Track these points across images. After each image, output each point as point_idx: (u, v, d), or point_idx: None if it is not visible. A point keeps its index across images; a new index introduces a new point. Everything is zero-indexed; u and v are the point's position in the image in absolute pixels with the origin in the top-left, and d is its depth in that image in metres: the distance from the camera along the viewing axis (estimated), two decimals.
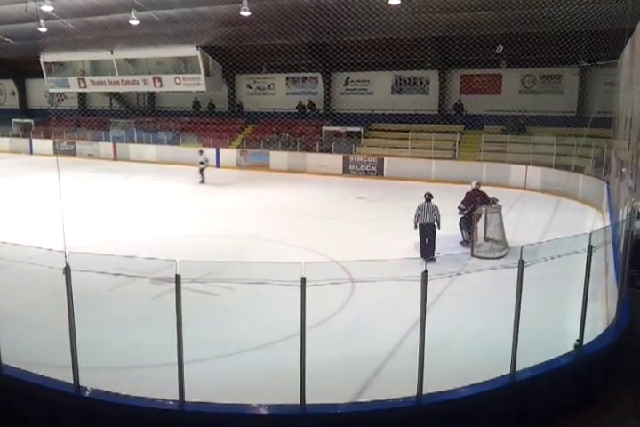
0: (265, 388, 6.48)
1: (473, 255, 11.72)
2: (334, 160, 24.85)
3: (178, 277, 5.59)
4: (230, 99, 30.92)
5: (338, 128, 26.61)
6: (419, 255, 11.52)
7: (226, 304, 9.10)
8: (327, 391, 6.07)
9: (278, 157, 26.09)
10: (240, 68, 30.05)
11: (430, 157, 23.11)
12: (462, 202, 12.80)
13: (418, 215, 11.77)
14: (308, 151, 25.82)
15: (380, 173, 23.82)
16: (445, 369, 6.50)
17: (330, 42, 25.57)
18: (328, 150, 25.70)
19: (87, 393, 5.89)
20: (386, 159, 23.81)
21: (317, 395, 5.66)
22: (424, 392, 5.73)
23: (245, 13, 21.23)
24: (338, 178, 23.95)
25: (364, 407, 5.84)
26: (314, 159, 25.35)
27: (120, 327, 8.39)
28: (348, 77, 27.78)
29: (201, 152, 23.28)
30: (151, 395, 5.82)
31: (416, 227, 11.75)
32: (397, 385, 6.08)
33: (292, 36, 24.96)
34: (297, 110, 28.78)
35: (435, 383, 5.83)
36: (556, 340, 7.23)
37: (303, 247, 12.54)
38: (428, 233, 11.58)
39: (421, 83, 26.49)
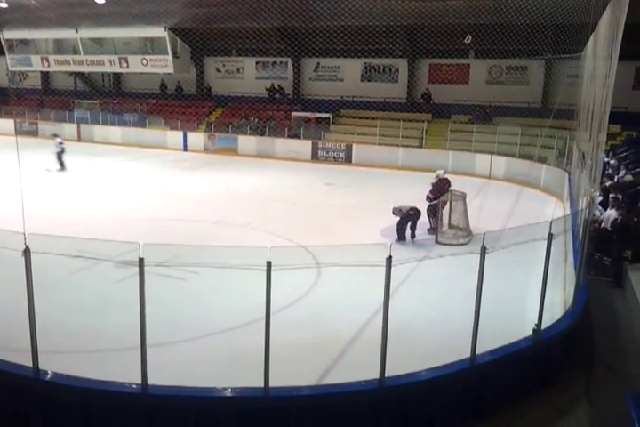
0: (230, 372, 6.51)
1: (437, 242, 11.93)
2: (303, 146, 24.78)
3: (141, 261, 5.53)
4: (199, 81, 30.42)
5: (307, 114, 26.51)
6: (384, 241, 11.65)
7: (191, 289, 9.06)
8: (291, 375, 6.12)
9: (247, 142, 25.86)
10: (209, 51, 29.56)
11: (398, 145, 23.26)
12: (431, 191, 12.96)
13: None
14: (276, 136, 25.65)
15: (348, 159, 23.89)
16: (407, 353, 6.62)
17: (300, 27, 25.29)
18: (297, 136, 25.59)
19: (47, 377, 5.80)
20: (354, 146, 23.88)
21: (282, 378, 5.70)
22: (386, 375, 5.83)
23: None
24: (306, 164, 23.92)
25: (328, 390, 5.91)
26: (283, 145, 25.23)
27: (83, 311, 8.27)
28: (318, 63, 27.63)
29: (55, 136, 21.49)
30: (115, 379, 5.77)
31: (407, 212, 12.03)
32: (361, 369, 6.17)
33: (262, 19, 24.60)
34: (267, 94, 28.50)
35: (397, 367, 5.93)
36: (515, 324, 7.44)
37: (270, 232, 12.52)
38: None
39: (391, 71, 26.55)
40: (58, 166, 20.46)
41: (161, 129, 28.04)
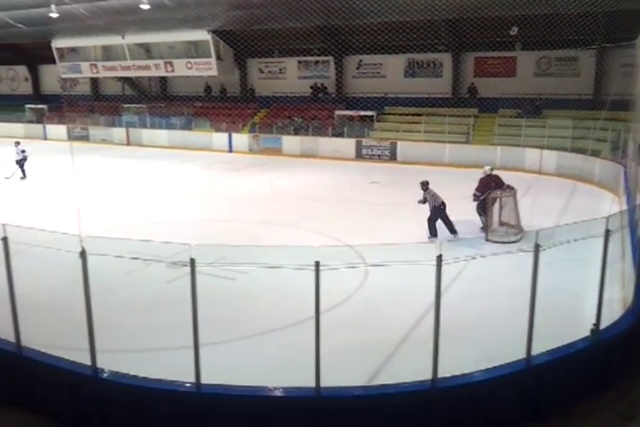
0: (280, 371, 6.54)
1: (488, 240, 11.66)
2: (347, 144, 24.70)
3: (192, 261, 5.60)
4: (242, 83, 30.74)
5: (350, 112, 26.41)
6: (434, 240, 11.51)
7: (241, 288, 9.15)
8: (342, 375, 6.10)
9: (291, 142, 25.98)
10: (252, 53, 29.83)
11: (444, 141, 22.88)
12: (477, 188, 12.68)
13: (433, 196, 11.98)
14: (320, 136, 25.65)
15: (393, 157, 23.66)
16: (459, 353, 6.50)
17: (342, 25, 25.28)
18: (341, 135, 25.54)
19: (105, 375, 5.96)
20: (399, 143, 23.63)
21: (332, 378, 5.68)
22: (438, 376, 5.72)
23: None
24: (350, 162, 23.83)
25: (379, 391, 5.86)
26: (326, 144, 25.21)
27: (137, 311, 8.48)
28: (361, 61, 27.47)
29: (17, 143, 20.31)
30: (168, 377, 5.88)
31: (438, 206, 11.89)
32: (411, 369, 6.09)
33: (304, 19, 24.64)
34: (310, 94, 28.55)
35: (449, 368, 5.82)
36: (572, 324, 7.19)
37: (316, 232, 12.53)
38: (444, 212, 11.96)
39: (434, 66, 26.15)
40: (20, 174, 19.76)
41: (207, 131, 28.50)
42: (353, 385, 5.91)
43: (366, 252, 9.80)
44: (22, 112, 36.02)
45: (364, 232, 12.39)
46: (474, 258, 9.47)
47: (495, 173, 13.01)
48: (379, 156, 23.99)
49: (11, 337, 6.51)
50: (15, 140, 21.10)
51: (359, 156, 24.42)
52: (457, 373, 5.93)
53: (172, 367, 6.27)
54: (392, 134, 24.35)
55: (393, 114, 26.05)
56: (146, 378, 5.87)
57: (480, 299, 8.79)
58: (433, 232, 11.96)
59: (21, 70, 39.41)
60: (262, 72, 30.46)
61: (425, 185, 12.18)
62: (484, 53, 24.82)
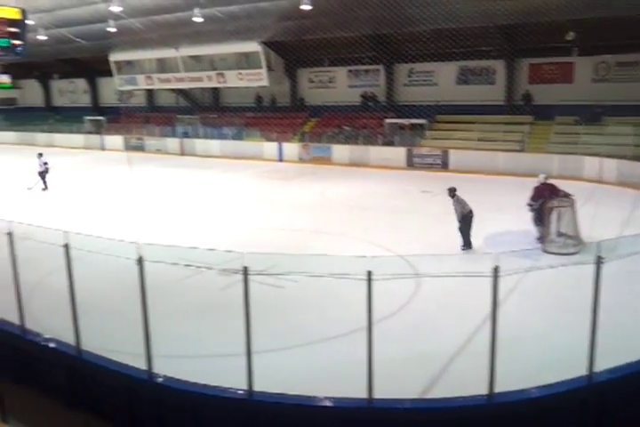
0: (331, 381, 6.49)
1: (545, 251, 11.29)
2: (398, 153, 24.52)
3: (245, 270, 5.65)
4: (292, 93, 31.07)
5: (401, 120, 26.21)
6: (487, 250, 11.23)
7: (291, 297, 9.17)
8: (394, 387, 6.00)
9: (341, 151, 26.00)
10: (302, 63, 30.15)
11: (497, 149, 22.39)
12: (531, 197, 12.32)
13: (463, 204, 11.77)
14: (370, 144, 25.58)
15: (445, 165, 23.31)
16: (515, 368, 6.29)
17: (392, 33, 25.22)
18: (391, 143, 25.39)
19: (160, 380, 6.07)
20: (451, 152, 23.27)
21: (384, 390, 5.60)
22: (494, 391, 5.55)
23: (306, 7, 21.25)
24: (401, 171, 23.62)
25: (434, 404, 5.73)
26: (377, 152, 25.10)
27: (189, 317, 8.62)
28: (412, 69, 27.29)
29: (40, 155, 20.58)
30: (220, 384, 5.94)
31: (467, 214, 11.71)
32: (466, 383, 5.94)
33: (354, 28, 24.79)
34: (360, 103, 28.55)
35: (505, 383, 5.63)
36: (636, 341, 6.85)
37: (367, 241, 12.44)
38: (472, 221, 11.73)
39: (487, 73, 25.69)
40: (42, 186, 20.06)
41: (257, 141, 28.90)
42: (405, 398, 5.80)
43: (418, 262, 9.66)
44: (82, 123, 37.52)
45: (415, 242, 12.23)
46: (530, 270, 9.23)
47: (552, 181, 12.62)
48: (430, 164, 23.68)
49: (71, 340, 6.74)
50: (38, 151, 21.41)
51: (410, 164, 24.18)
52: (513, 388, 5.73)
53: (225, 374, 6.31)
54: (444, 143, 24.01)
55: (445, 122, 25.71)
56: (198, 384, 5.95)
57: (537, 312, 8.50)
58: (467, 243, 11.74)
59: (81, 83, 41.12)
60: (312, 82, 30.70)
61: (452, 192, 11.88)
62: (539, 60, 24.21)
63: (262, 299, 7.93)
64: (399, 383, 6.27)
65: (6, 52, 18.00)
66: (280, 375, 6.52)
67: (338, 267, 5.90)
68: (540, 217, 11.91)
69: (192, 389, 5.91)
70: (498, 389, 5.57)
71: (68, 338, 6.85)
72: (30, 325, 7.38)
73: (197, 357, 7.30)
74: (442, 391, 6.08)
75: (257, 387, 5.73)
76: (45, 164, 20.27)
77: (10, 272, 7.34)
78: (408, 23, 23.54)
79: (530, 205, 12.25)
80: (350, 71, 29.19)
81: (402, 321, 8.28)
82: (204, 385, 5.90)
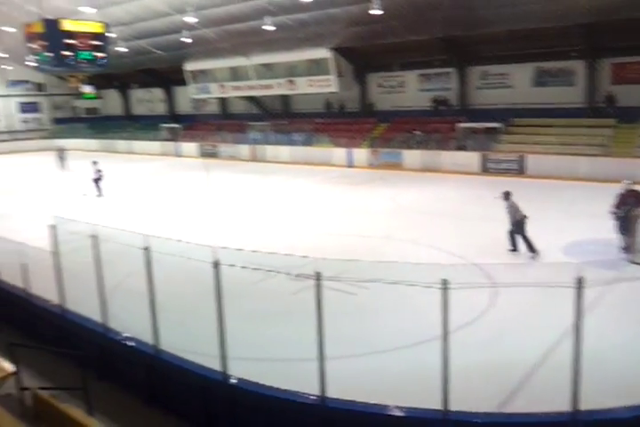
0: (404, 390, 6.36)
1: (631, 262, 10.64)
2: (471, 158, 23.89)
3: (318, 275, 5.63)
4: (361, 98, 31.05)
5: (474, 124, 25.54)
6: (567, 260, 10.73)
7: (362, 304, 9.10)
8: (470, 399, 5.80)
9: (411, 156, 25.67)
10: (371, 68, 30.09)
11: (578, 154, 21.33)
12: (615, 205, 11.64)
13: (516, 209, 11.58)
14: (442, 149, 25.08)
15: (521, 171, 22.45)
16: (599, 385, 5.93)
17: (465, 35, 24.73)
18: (464, 148, 24.78)
19: (234, 382, 6.16)
20: (528, 156, 22.37)
21: (459, 402, 5.42)
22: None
23: (376, 12, 21.20)
24: (475, 177, 22.99)
25: (512, 419, 5.50)
26: (449, 157, 24.57)
27: (263, 321, 8.72)
28: (486, 71, 26.58)
29: (95, 163, 21.41)
30: (291, 388, 5.95)
31: (520, 220, 11.53)
32: (546, 398, 5.66)
33: (425, 31, 24.51)
34: (431, 107, 28.14)
35: (587, 401, 5.31)
36: None
37: (439, 249, 12.19)
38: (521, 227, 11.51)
39: (566, 74, 24.62)
40: (96, 192, 20.73)
41: (327, 146, 29.06)
42: (481, 411, 5.59)
43: (494, 271, 9.36)
44: (159, 131, 39.07)
45: (490, 250, 11.86)
46: (616, 281, 8.73)
47: (635, 188, 11.88)
48: (506, 170, 22.86)
49: (149, 339, 6.97)
50: (93, 159, 22.30)
51: (484, 170, 23.49)
52: (598, 406, 5.40)
53: (296, 378, 6.33)
54: (520, 147, 23.15)
55: (521, 125, 24.78)
56: (271, 387, 5.99)
57: (623, 326, 8.00)
58: (514, 245, 11.65)
59: (158, 92, 42.92)
60: (382, 86, 30.56)
61: (507, 195, 11.76)
62: (622, 59, 22.93)
63: (334, 305, 7.92)
64: (475, 395, 6.07)
65: (90, 64, 19.08)
66: (352, 382, 6.46)
67: (411, 274, 5.80)
68: (625, 225, 11.23)
69: (266, 392, 5.96)
70: (582, 406, 5.26)
71: (146, 337, 7.10)
72: (112, 324, 7.71)
73: (270, 360, 7.37)
74: (520, 406, 5.82)
75: (329, 393, 5.70)
76: (99, 171, 21.11)
77: (93, 273, 7.70)
78: (482, 24, 23.03)
79: (614, 212, 11.58)
80: (421, 75, 28.82)
81: (478, 331, 8.01)
82: (278, 389, 5.93)
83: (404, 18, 23.35)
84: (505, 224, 12.55)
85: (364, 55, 29.02)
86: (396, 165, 25.82)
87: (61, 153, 25.15)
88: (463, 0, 21.43)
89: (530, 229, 12.03)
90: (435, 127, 26.62)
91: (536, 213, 15.32)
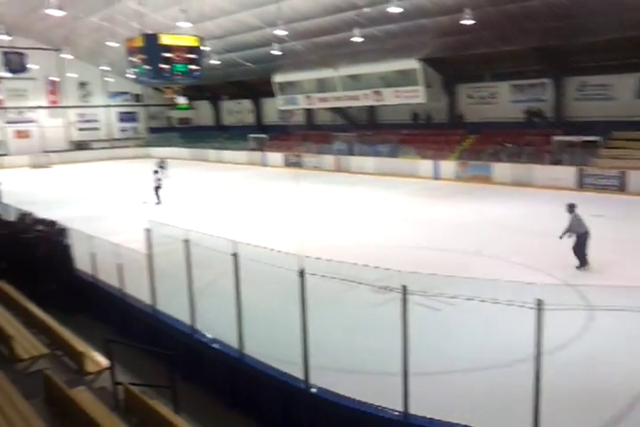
0: (489, 412, 6.09)
1: None
2: (566, 173, 22.64)
3: (405, 288, 5.52)
4: (450, 109, 30.49)
5: (571, 138, 24.26)
6: None
7: (447, 320, 8.85)
8: (560, 425, 5.45)
9: (501, 169, 24.76)
10: (461, 78, 29.50)
11: None
12: None
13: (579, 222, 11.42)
14: (535, 163, 23.96)
15: (621, 187, 20.99)
16: None
17: (562, 45, 23.69)
18: (559, 162, 23.58)
19: (316, 390, 6.14)
20: (630, 172, 20.89)
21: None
22: None
23: (468, 22, 20.79)
24: (570, 192, 21.69)
25: None
26: (542, 171, 23.43)
27: (344, 332, 8.67)
28: (584, 82, 25.28)
29: (155, 172, 22.42)
30: (371, 400, 5.85)
31: (583, 234, 11.40)
32: None
33: (519, 41, 23.73)
34: (524, 119, 27.12)
35: None
36: None
37: (529, 266, 11.65)
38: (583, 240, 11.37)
39: None
40: (156, 200, 21.40)
41: (412, 158, 28.71)
42: None
43: (590, 293, 8.82)
44: (246, 141, 40.24)
45: (586, 270, 11.19)
46: None
47: None
48: (604, 186, 21.47)
49: (234, 344, 7.11)
50: (154, 168, 23.27)
51: (580, 185, 22.17)
52: None
53: (378, 392, 6.23)
54: (621, 162, 21.72)
55: (622, 139, 23.24)
56: (352, 399, 5.91)
57: None
58: (583, 262, 11.40)
59: (247, 104, 44.33)
60: (472, 97, 29.85)
61: (571, 208, 11.63)
62: None
63: (418, 320, 7.77)
64: (569, 423, 5.69)
65: (185, 77, 20.02)
66: (435, 399, 6.27)
67: (499, 292, 5.55)
68: None
69: (347, 403, 5.90)
70: None
71: (230, 340, 7.25)
72: (198, 325, 7.94)
73: (350, 371, 7.30)
74: None
75: (411, 409, 5.55)
76: (159, 180, 21.89)
77: (182, 275, 7.97)
78: (581, 33, 21.98)
79: None
80: (513, 86, 27.86)
81: (572, 356, 7.54)
82: (360, 401, 5.85)
83: (496, 28, 22.76)
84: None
85: (453, 66, 28.51)
86: (485, 179, 25.03)
87: (162, 163, 26.58)
88: (561, 9, 20.57)
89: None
90: (527, 140, 25.58)
91: (637, 235, 14.37)
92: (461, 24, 21.08)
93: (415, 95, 28.77)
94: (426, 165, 27.54)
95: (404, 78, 29.03)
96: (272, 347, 7.46)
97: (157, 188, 21.66)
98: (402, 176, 27.68)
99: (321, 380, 6.30)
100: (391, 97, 29.98)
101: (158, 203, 21.38)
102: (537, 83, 26.79)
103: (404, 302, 5.54)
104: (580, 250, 11.38)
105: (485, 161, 25.59)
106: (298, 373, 6.33)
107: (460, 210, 18.93)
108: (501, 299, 5.36)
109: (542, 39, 23.27)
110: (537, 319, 4.99)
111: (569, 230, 11.44)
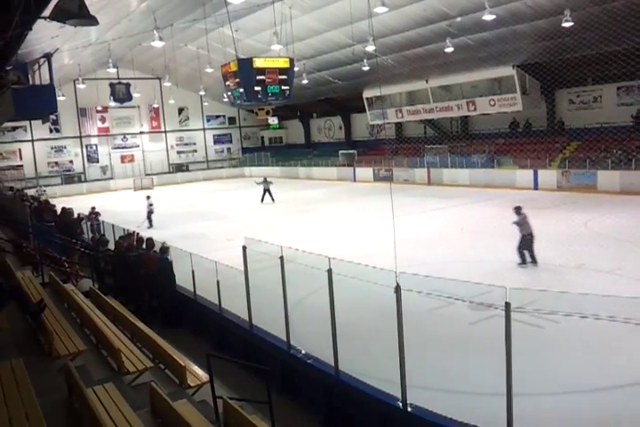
0: None
1: None
2: None
3: (508, 305, 5.24)
4: (549, 116, 29.09)
5: None
6: None
7: (550, 338, 8.35)
8: None
9: (608, 177, 23.24)
10: (560, 83, 28.00)
11: None
12: None
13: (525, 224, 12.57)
14: None
15: None
16: None
17: None
18: None
19: (414, 410, 5.95)
20: None
21: None
22: None
23: (567, 24, 19.81)
24: None
25: None
26: None
27: (439, 349, 8.40)
28: None
29: (148, 197, 23.36)
30: (471, 422, 5.58)
31: (525, 236, 12.54)
32: None
33: (625, 40, 22.22)
34: (632, 122, 25.29)
35: None
36: None
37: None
38: (529, 240, 12.53)
39: None
40: (147, 224, 22.10)
41: (510, 168, 27.63)
42: None
43: None
44: (336, 157, 40.69)
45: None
46: None
47: None
48: None
49: (329, 360, 7.06)
50: (147, 195, 24.37)
51: None
52: None
53: (477, 413, 5.94)
54: None
55: None
56: (453, 420, 5.68)
57: None
58: (524, 260, 12.55)
59: (336, 120, 44.90)
60: (573, 103, 28.34)
61: (518, 210, 12.87)
62: None
63: (517, 338, 7.38)
64: None
65: (277, 97, 20.55)
66: (539, 422, 5.87)
67: (608, 309, 5.13)
68: None
69: (445, 423, 5.66)
70: None
71: (323, 356, 7.21)
72: (292, 341, 7.98)
73: (447, 391, 7.03)
74: None
75: None
76: (150, 205, 22.88)
77: (277, 291, 8.07)
78: None
79: None
80: (620, 88, 26.15)
81: None
82: (458, 422, 5.59)
83: (599, 28, 21.48)
84: None
85: (551, 71, 27.17)
86: (590, 188, 23.55)
87: (266, 184, 28.03)
88: None
89: None
90: (637, 145, 23.82)
91: None
92: (560, 27, 20.16)
93: (511, 103, 27.81)
94: (524, 175, 26.42)
95: (498, 86, 28.23)
96: (366, 364, 7.35)
97: (149, 213, 22.82)
98: (498, 187, 26.70)
99: (416, 398, 6.10)
100: (486, 106, 29.17)
101: (150, 227, 21.98)
102: None
103: (507, 319, 5.26)
104: (522, 249, 12.57)
105: (590, 169, 24.08)
106: (393, 390, 6.17)
107: (563, 221, 17.85)
108: (612, 316, 4.96)
109: None
110: None
111: (524, 231, 12.59)
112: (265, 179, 28.36)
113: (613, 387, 6.83)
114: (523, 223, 12.68)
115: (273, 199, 27.72)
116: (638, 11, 19.91)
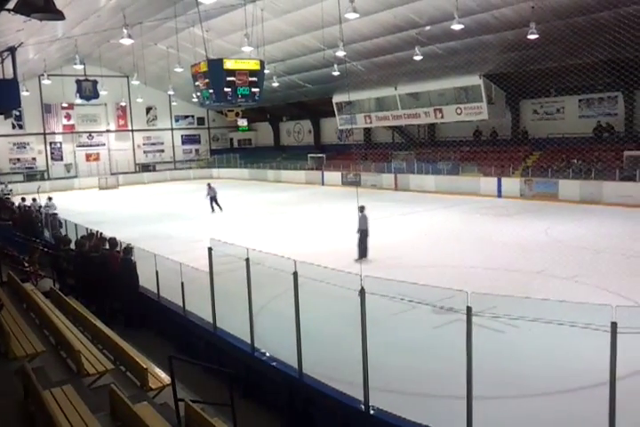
0: None
1: None
2: (638, 189, 21.62)
3: (469, 310, 5.34)
4: (514, 126, 29.78)
5: None
6: None
7: (511, 343, 8.50)
8: None
9: (568, 187, 23.89)
10: (525, 94, 28.76)
11: None
12: None
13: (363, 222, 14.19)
14: (604, 180, 23.01)
15: None
16: None
17: (634, 57, 22.74)
18: (631, 178, 22.50)
19: (376, 413, 6.00)
20: None
21: None
22: None
23: (533, 37, 20.35)
24: None
25: None
26: (612, 188, 22.45)
27: (402, 353, 8.48)
28: None
29: (209, 185, 25.81)
30: (432, 424, 5.65)
31: (361, 231, 14.18)
32: None
33: (587, 54, 22.94)
34: (593, 134, 26.10)
35: None
36: None
37: (600, 288, 11.07)
38: (363, 237, 14.17)
39: None
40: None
41: (474, 176, 28.14)
42: None
43: None
44: (305, 161, 40.71)
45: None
46: None
47: None
48: None
49: (292, 362, 7.06)
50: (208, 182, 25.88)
51: None
52: None
53: (437, 415, 6.02)
54: None
55: None
56: (416, 423, 5.73)
57: None
58: (362, 255, 14.10)
59: (306, 124, 45.00)
60: (537, 113, 29.07)
61: (362, 209, 14.30)
62: None
63: (478, 342, 7.50)
64: None
65: (247, 99, 20.50)
66: (497, 425, 5.99)
67: (567, 314, 5.27)
68: None
69: (408, 426, 5.71)
70: None
71: (288, 358, 7.21)
72: (256, 343, 7.95)
73: (409, 393, 7.11)
74: None
75: None
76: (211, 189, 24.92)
77: (242, 293, 8.02)
78: None
79: None
80: (581, 100, 26.95)
81: None
82: (420, 424, 5.65)
83: (563, 42, 22.13)
84: None
85: (517, 81, 27.77)
86: (551, 196, 24.19)
87: (211, 191, 25.83)
88: (631, 20, 19.81)
89: None
90: (596, 156, 24.58)
91: None
92: (526, 38, 20.68)
93: (477, 112, 28.31)
94: (488, 183, 26.95)
95: (465, 95, 28.65)
96: (330, 366, 7.38)
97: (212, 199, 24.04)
98: (463, 194, 27.15)
99: (379, 401, 6.15)
100: (452, 114, 29.61)
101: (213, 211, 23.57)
102: (607, 96, 25.82)
103: (469, 323, 5.36)
104: (361, 244, 14.09)
105: (551, 178, 24.74)
106: (356, 393, 6.21)
107: (526, 229, 18.30)
108: (568, 321, 5.10)
109: (613, 52, 22.43)
110: (611, 343, 4.71)
111: (359, 228, 14.15)
112: (209, 185, 26.30)
113: (572, 390, 7.01)
114: (362, 222, 14.26)
115: (220, 208, 25.28)
116: (599, 26, 20.58)
